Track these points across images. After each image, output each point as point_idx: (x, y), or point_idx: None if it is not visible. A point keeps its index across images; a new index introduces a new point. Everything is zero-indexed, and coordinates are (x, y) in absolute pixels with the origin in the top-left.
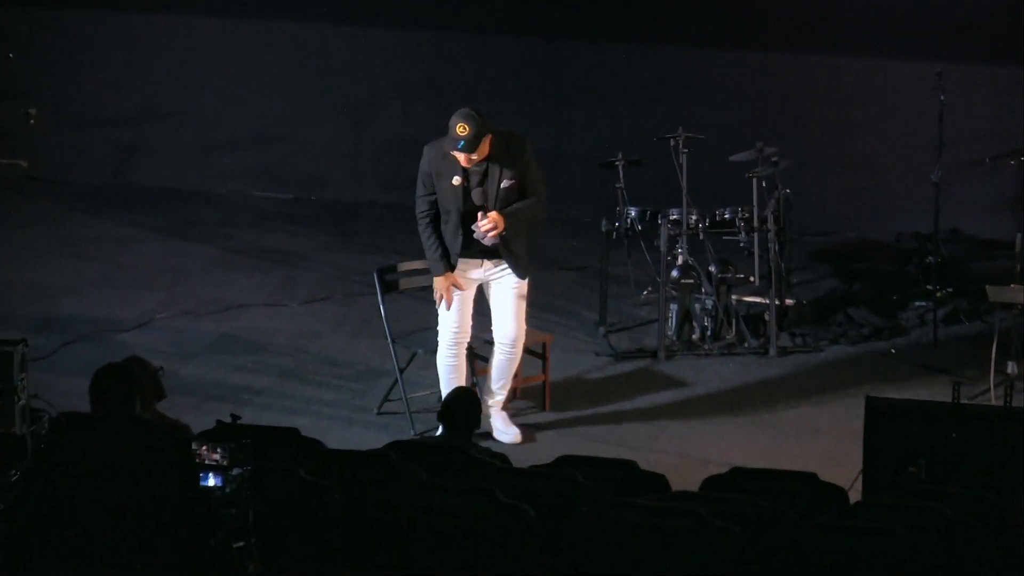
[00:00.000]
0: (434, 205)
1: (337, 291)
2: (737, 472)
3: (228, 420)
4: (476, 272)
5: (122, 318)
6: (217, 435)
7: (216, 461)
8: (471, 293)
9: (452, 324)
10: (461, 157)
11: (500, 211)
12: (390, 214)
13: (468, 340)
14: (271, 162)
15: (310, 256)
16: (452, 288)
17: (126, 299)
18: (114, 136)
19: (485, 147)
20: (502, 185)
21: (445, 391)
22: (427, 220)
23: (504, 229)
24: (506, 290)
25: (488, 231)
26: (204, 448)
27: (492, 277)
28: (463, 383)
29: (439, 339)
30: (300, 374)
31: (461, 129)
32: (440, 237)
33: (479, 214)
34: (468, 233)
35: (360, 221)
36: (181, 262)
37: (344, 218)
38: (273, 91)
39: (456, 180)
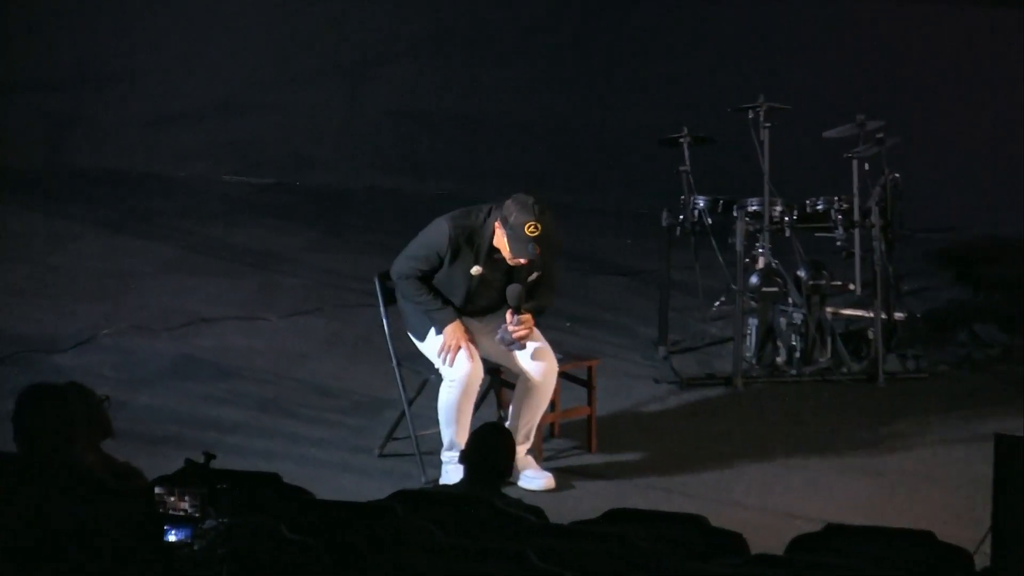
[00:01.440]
0: (427, 276)
1: (328, 301)
2: (833, 530)
3: (199, 460)
4: (473, 326)
5: (56, 335)
6: (185, 479)
7: (184, 511)
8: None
9: (462, 359)
10: (523, 259)
11: (528, 309)
12: (393, 203)
13: (480, 379)
14: (243, 138)
15: (293, 257)
16: (464, 336)
17: (61, 311)
18: (45, 106)
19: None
20: (530, 279)
21: (448, 432)
22: (415, 278)
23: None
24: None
25: (521, 337)
26: (169, 495)
27: (490, 325)
28: (468, 424)
29: (444, 374)
30: (282, 406)
31: (533, 229)
32: (433, 288)
33: (509, 314)
34: (469, 314)
35: (356, 212)
36: (130, 264)
37: (336, 209)
38: (245, 49)
39: (476, 270)
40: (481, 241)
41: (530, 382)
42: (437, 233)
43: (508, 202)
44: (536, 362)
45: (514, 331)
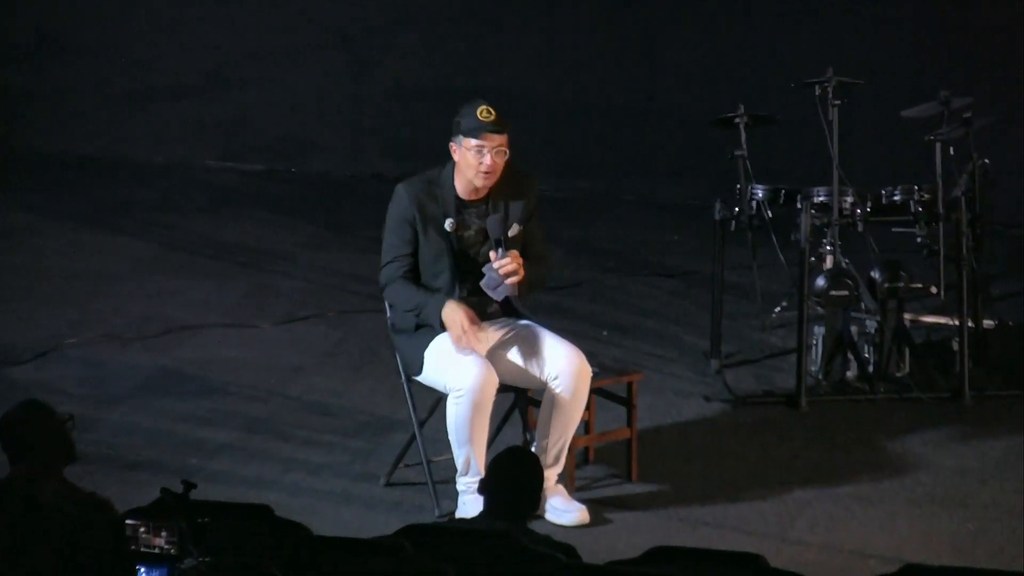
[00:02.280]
0: (411, 265)
1: (328, 306)
2: (912, 572)
3: (177, 489)
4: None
5: (14, 345)
6: (161, 511)
7: (160, 548)
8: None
9: (470, 367)
10: (489, 148)
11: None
12: None
13: (494, 389)
14: (231, 118)
15: (289, 255)
16: (472, 322)
17: (19, 317)
18: (0, 81)
19: (502, 162)
20: (510, 233)
21: (461, 454)
22: (400, 279)
23: (522, 280)
24: (525, 330)
25: (509, 273)
26: (142, 529)
27: (495, 329)
28: (485, 444)
29: (451, 387)
30: (275, 427)
31: (486, 112)
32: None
33: (493, 252)
34: (470, 293)
35: (360, 204)
36: (101, 264)
37: (337, 200)
38: (234, 16)
39: (450, 223)
40: (443, 190)
41: (558, 391)
42: (395, 200)
43: (455, 119)
44: (564, 366)
45: (500, 266)
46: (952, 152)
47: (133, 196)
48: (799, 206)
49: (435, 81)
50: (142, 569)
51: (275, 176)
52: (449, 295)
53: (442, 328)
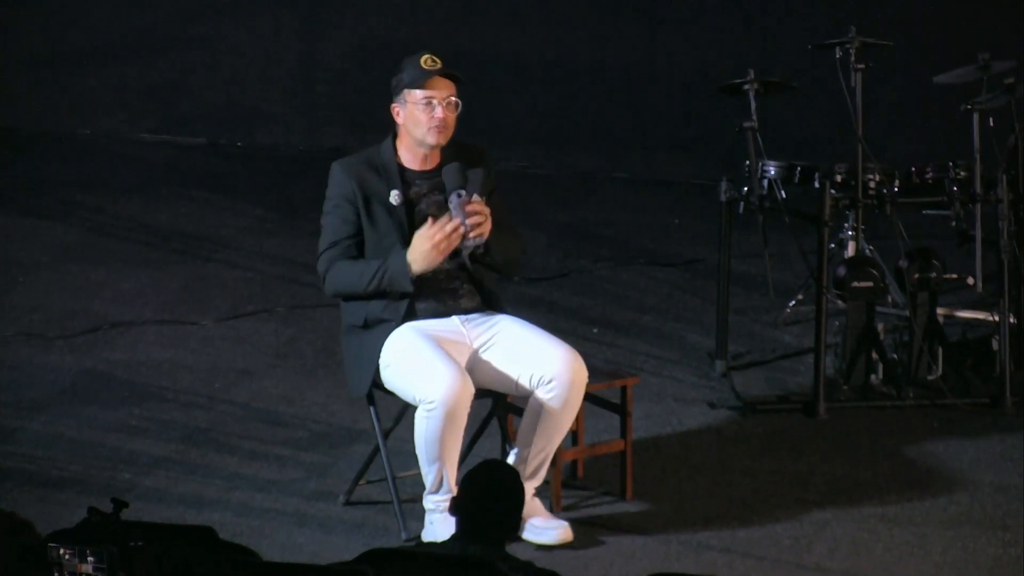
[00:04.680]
0: (355, 249)
1: (279, 300)
2: None
3: (106, 509)
4: (463, 340)
5: None
6: (88, 534)
7: (86, 575)
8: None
9: (442, 376)
10: (439, 99)
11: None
12: None
13: (468, 400)
14: (166, 85)
15: (233, 241)
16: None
17: None
18: None
19: (454, 115)
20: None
21: (431, 472)
22: (341, 259)
23: (489, 236)
24: (510, 328)
25: (476, 223)
26: (66, 555)
27: (477, 333)
28: (457, 459)
29: (419, 399)
30: (218, 438)
31: (430, 60)
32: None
33: (453, 196)
34: (427, 287)
35: (314, 183)
36: (17, 252)
37: (289, 178)
38: None
39: (395, 196)
40: (384, 161)
41: (548, 397)
42: (331, 179)
43: (395, 76)
44: (560, 370)
45: (468, 211)
46: (992, 124)
47: (54, 174)
48: (817, 185)
49: (401, 42)
50: None
51: (217, 151)
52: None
53: (413, 285)
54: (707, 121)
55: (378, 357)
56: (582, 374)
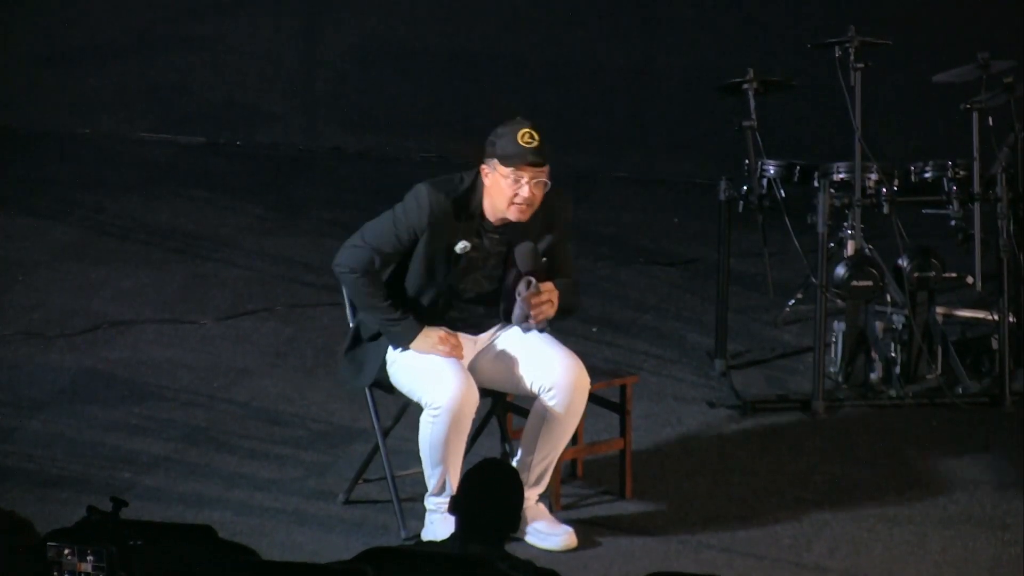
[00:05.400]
0: (383, 268)
1: (278, 299)
2: None
3: (105, 508)
4: (468, 345)
5: None
6: (87, 533)
7: (86, 574)
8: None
9: (449, 381)
10: (525, 182)
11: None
12: (363, 170)
13: (474, 406)
14: (166, 84)
15: (233, 240)
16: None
17: None
18: None
19: (541, 194)
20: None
21: (434, 476)
22: (362, 275)
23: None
24: (516, 331)
25: (543, 308)
26: (66, 554)
27: (493, 339)
28: (460, 463)
29: (425, 403)
30: (217, 437)
31: (528, 137)
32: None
33: (523, 283)
34: (453, 322)
35: (314, 182)
36: (17, 251)
37: (288, 177)
38: None
39: (463, 246)
40: (467, 208)
41: (551, 404)
42: (414, 201)
43: (489, 137)
44: (560, 378)
45: (535, 303)
46: (991, 123)
47: (53, 173)
48: (816, 184)
49: (401, 41)
50: None
51: (217, 150)
52: (423, 319)
53: (403, 348)
54: (706, 120)
55: (385, 352)
56: (584, 381)
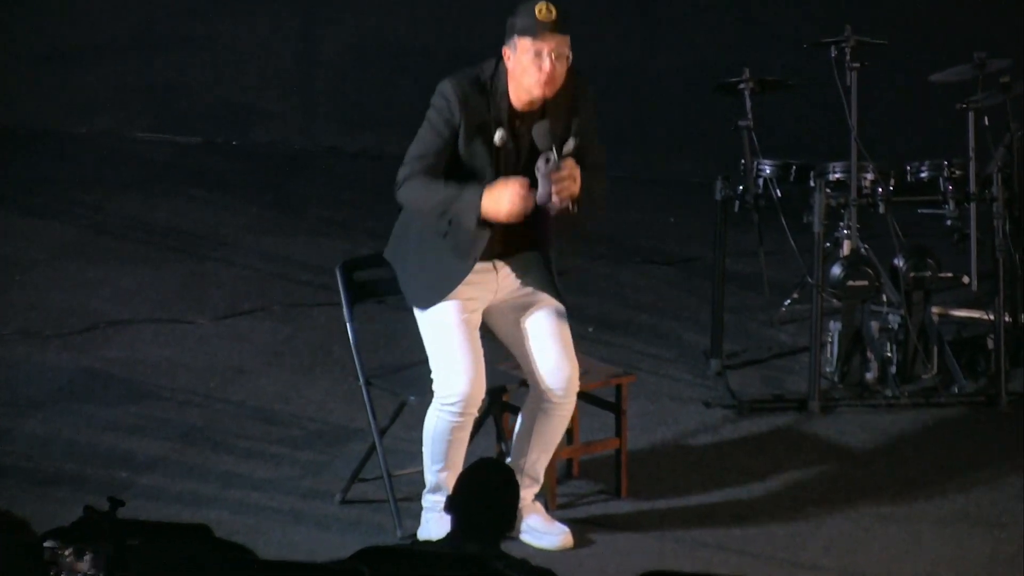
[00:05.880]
0: (438, 171)
1: (275, 299)
2: None
3: (102, 507)
4: (488, 286)
5: None
6: (84, 532)
7: (83, 573)
8: (477, 320)
9: (463, 374)
10: (548, 51)
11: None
12: (360, 169)
13: (481, 401)
14: (163, 83)
15: (230, 239)
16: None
17: None
18: None
19: (564, 68)
20: (566, 148)
21: (433, 471)
22: (417, 176)
23: (578, 195)
24: (540, 308)
25: (565, 184)
26: (64, 553)
27: (510, 294)
28: (461, 462)
29: (436, 391)
30: (214, 436)
31: (545, 10)
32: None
33: (541, 159)
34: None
35: (311, 181)
36: (14, 250)
37: (286, 176)
38: None
39: (500, 136)
40: (496, 96)
41: (546, 398)
42: (439, 97)
43: (508, 20)
44: (558, 369)
45: (555, 178)
46: (987, 122)
47: (51, 172)
48: (812, 184)
49: (399, 41)
50: None
51: (215, 149)
52: (467, 258)
53: (477, 224)
54: (703, 119)
55: (437, 298)
56: (573, 384)
